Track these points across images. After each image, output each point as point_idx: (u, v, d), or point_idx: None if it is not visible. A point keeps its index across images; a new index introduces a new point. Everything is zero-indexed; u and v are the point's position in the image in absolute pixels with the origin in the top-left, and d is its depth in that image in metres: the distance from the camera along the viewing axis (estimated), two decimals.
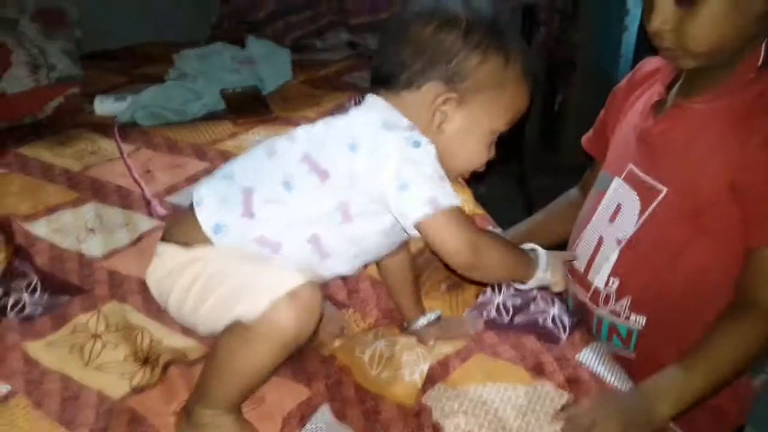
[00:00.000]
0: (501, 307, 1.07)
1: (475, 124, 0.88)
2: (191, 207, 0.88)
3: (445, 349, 0.98)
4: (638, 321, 1.01)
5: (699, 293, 0.96)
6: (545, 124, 2.80)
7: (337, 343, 1.02)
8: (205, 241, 0.85)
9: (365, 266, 0.98)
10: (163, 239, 0.90)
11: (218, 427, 0.83)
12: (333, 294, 1.13)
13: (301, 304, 0.79)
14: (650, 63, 1.10)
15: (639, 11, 2.08)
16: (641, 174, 0.99)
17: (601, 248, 1.04)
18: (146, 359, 0.99)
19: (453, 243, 0.84)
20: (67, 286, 1.14)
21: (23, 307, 1.09)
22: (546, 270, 0.94)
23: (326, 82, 1.98)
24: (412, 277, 1.05)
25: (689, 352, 0.90)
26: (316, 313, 0.81)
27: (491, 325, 1.04)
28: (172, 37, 2.24)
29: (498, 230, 1.31)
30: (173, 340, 1.02)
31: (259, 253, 0.85)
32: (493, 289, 1.11)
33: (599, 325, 1.06)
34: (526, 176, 2.62)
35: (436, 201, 0.82)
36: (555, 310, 1.06)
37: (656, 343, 1.00)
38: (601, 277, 1.04)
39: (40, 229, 1.30)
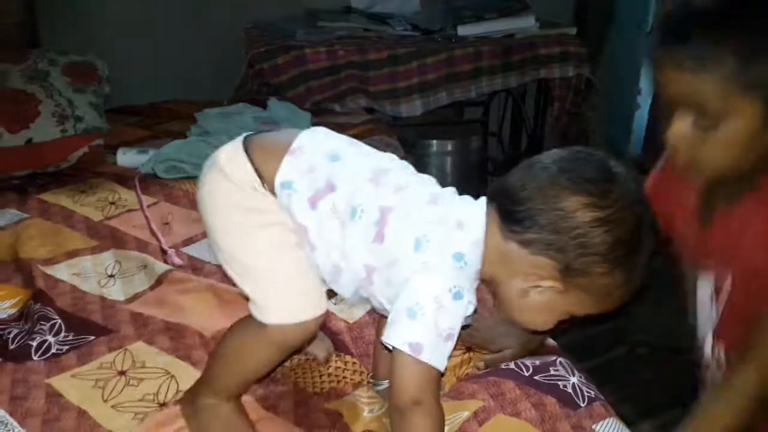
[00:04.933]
0: (521, 363, 1.07)
1: (561, 307, 0.85)
2: (288, 141, 0.89)
3: (463, 413, 0.97)
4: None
5: None
6: None
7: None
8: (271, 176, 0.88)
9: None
10: (245, 146, 0.90)
11: (218, 414, 0.90)
12: (342, 338, 1.15)
13: (307, 333, 0.89)
14: None
15: (651, 91, 2.13)
16: (707, 272, 1.02)
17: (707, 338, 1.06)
18: (164, 404, 0.99)
19: (402, 385, 0.82)
20: (91, 326, 1.15)
21: (48, 348, 1.09)
22: None
23: None
24: None
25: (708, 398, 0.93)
26: (315, 331, 0.92)
27: (513, 374, 1.03)
28: (196, 97, 2.30)
29: None
30: None
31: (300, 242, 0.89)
32: None
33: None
34: None
35: (419, 348, 0.80)
36: (575, 379, 1.05)
37: None
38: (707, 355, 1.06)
39: (60, 273, 1.31)
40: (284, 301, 0.87)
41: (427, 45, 2.36)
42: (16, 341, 1.11)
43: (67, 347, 1.10)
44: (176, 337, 1.12)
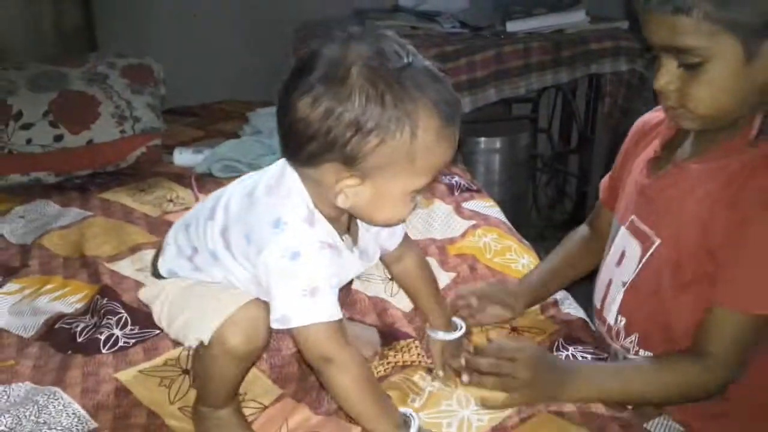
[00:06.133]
0: (571, 358, 1.07)
1: (388, 192, 0.83)
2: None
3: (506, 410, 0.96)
4: (646, 356, 1.04)
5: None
6: None
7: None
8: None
9: None
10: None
11: (218, 419, 0.96)
12: (399, 326, 1.15)
13: (243, 325, 0.88)
14: (654, 116, 1.14)
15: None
16: (641, 224, 1.05)
17: (610, 289, 1.10)
18: None
19: (305, 350, 0.87)
20: None
21: (116, 341, 1.14)
22: None
23: None
24: (427, 275, 1.06)
25: (630, 364, 0.98)
26: (262, 328, 0.89)
27: None
28: (247, 97, 2.35)
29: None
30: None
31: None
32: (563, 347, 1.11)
33: (615, 358, 1.10)
34: None
35: (287, 319, 0.84)
36: None
37: None
38: (611, 315, 1.09)
39: (125, 268, 1.36)
40: (204, 314, 0.90)
41: (475, 42, 2.35)
42: (83, 334, 1.16)
43: (133, 341, 1.14)
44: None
